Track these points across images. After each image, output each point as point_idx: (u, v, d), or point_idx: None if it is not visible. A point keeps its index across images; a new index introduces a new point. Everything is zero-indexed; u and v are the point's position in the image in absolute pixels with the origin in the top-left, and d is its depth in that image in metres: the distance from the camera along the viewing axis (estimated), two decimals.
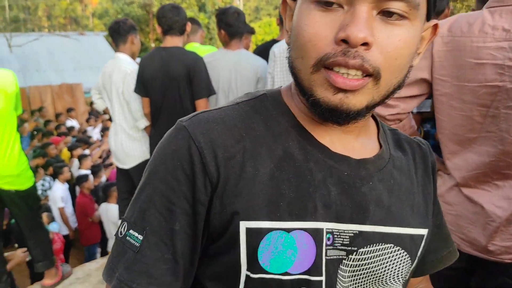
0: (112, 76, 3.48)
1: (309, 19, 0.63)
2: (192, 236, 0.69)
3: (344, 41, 0.60)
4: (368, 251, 0.72)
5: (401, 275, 0.77)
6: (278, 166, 0.69)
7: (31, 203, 3.24)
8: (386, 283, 0.75)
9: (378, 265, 0.73)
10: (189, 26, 3.36)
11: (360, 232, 0.71)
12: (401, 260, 0.75)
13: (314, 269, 0.68)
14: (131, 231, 0.69)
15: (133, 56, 3.60)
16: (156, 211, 0.68)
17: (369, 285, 0.74)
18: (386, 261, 0.74)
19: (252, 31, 4.12)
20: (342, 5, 0.61)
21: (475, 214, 1.57)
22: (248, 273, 0.67)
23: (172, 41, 3.24)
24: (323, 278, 0.69)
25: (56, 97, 13.01)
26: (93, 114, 10.91)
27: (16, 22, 25.16)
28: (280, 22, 3.58)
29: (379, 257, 0.73)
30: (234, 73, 3.18)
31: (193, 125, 0.69)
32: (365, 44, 0.60)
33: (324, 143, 0.72)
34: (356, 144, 0.76)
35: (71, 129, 9.69)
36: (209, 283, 0.72)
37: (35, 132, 8.75)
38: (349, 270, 0.72)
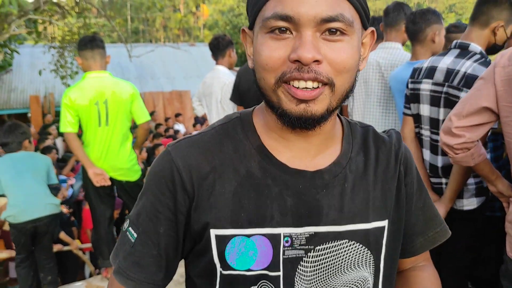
0: (212, 86, 3.80)
1: (265, 46, 0.74)
2: (174, 237, 0.85)
3: (297, 61, 0.71)
4: (324, 247, 0.83)
5: (359, 263, 0.86)
6: (241, 184, 0.82)
7: (138, 192, 3.68)
8: (344, 272, 0.86)
9: (335, 258, 0.84)
10: None
11: (316, 233, 0.82)
12: (355, 252, 0.85)
13: (272, 266, 0.82)
14: (130, 228, 0.87)
15: (230, 67, 3.91)
16: (147, 216, 0.85)
17: (330, 276, 0.85)
18: (342, 254, 0.85)
19: None
20: (292, 32, 0.72)
21: None
22: (221, 270, 0.83)
23: None
24: (280, 273, 0.82)
25: (167, 102, 13.86)
26: (199, 120, 11.31)
27: (136, 33, 27.35)
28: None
29: (335, 252, 0.84)
30: None
31: (175, 150, 0.84)
32: (316, 61, 0.71)
33: (283, 160, 0.83)
34: (315, 156, 0.85)
35: (177, 132, 10.30)
36: (197, 279, 0.89)
37: None
38: (310, 266, 0.83)
